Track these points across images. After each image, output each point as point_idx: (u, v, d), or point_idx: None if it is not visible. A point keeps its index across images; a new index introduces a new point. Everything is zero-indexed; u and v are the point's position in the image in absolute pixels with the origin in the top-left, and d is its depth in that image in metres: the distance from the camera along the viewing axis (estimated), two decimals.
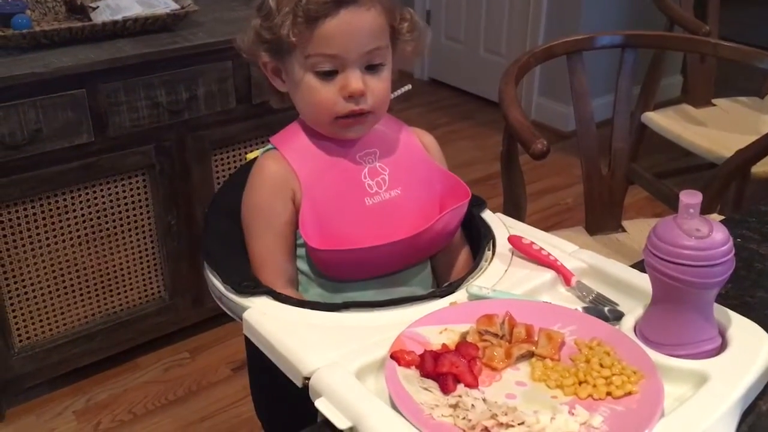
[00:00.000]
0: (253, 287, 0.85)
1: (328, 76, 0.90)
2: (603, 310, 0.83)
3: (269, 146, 0.97)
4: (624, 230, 1.58)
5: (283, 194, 0.94)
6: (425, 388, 0.71)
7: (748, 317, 0.80)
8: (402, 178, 0.98)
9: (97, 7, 1.76)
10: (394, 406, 0.68)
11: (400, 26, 0.95)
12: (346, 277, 0.96)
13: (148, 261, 1.85)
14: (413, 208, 0.98)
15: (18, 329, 1.72)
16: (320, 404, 0.69)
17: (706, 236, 0.72)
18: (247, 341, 0.83)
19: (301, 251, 0.96)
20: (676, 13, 2.07)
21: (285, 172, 0.94)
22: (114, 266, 1.80)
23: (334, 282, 0.96)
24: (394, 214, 0.96)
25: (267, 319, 0.81)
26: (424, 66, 3.87)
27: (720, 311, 0.79)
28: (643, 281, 0.82)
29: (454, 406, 0.68)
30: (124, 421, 1.77)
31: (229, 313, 0.88)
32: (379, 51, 0.91)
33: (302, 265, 0.97)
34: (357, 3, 0.89)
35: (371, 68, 0.92)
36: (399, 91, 1.06)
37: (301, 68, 0.91)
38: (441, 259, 1.04)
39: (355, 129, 0.94)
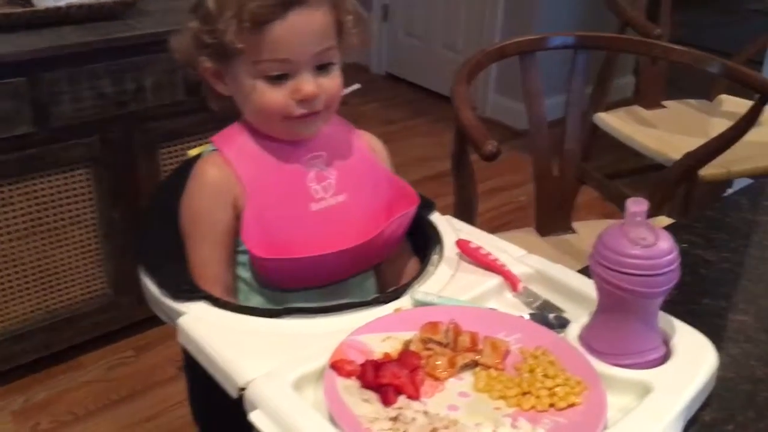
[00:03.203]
0: (190, 292, 0.82)
1: (278, 80, 0.87)
2: (549, 317, 0.82)
3: (210, 147, 0.94)
4: (574, 231, 1.58)
5: (224, 201, 0.90)
6: (365, 400, 0.69)
7: (693, 325, 0.79)
8: (349, 183, 0.95)
9: None
10: (332, 420, 0.66)
11: (346, 20, 0.92)
12: (290, 286, 0.93)
13: (91, 257, 1.80)
14: (360, 214, 0.95)
15: None
16: (255, 418, 0.66)
17: (651, 245, 0.71)
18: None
19: (242, 258, 0.93)
20: (628, 15, 2.08)
21: (226, 176, 0.90)
22: (55, 262, 1.74)
23: (276, 291, 0.93)
24: (340, 220, 0.94)
25: (203, 325, 0.78)
26: (381, 61, 3.85)
27: (665, 319, 0.79)
28: (589, 288, 0.81)
29: (395, 419, 0.66)
30: (64, 422, 1.71)
31: (165, 319, 0.84)
32: (329, 50, 0.89)
33: (243, 272, 0.94)
34: (305, 4, 0.85)
35: (322, 68, 0.89)
36: (348, 90, 1.03)
37: (248, 74, 0.87)
38: (387, 267, 1.02)
39: (308, 126, 0.91)
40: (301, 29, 0.85)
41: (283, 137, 0.92)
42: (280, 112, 0.88)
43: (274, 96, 0.87)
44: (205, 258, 0.91)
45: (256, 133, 0.92)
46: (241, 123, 0.94)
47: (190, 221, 0.92)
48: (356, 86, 1.03)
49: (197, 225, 0.91)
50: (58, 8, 1.64)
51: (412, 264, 1.01)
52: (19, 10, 1.62)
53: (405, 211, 0.94)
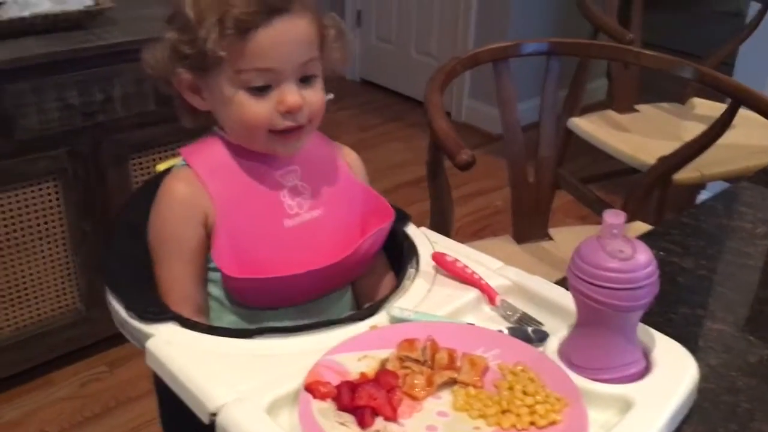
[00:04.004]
0: (158, 313, 0.79)
1: (261, 91, 0.84)
2: (527, 331, 0.81)
3: (180, 162, 0.91)
4: (551, 238, 1.58)
5: (193, 219, 0.87)
6: (341, 423, 0.67)
7: (671, 334, 0.79)
8: (323, 198, 0.93)
9: (4, 2, 1.65)
10: None
11: (327, 33, 0.90)
12: (264, 305, 0.91)
13: (61, 271, 1.76)
14: (335, 228, 0.93)
15: None
16: None
17: (629, 258, 0.70)
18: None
19: (214, 275, 0.90)
20: (600, 20, 2.09)
21: (196, 194, 0.87)
22: (24, 277, 1.70)
23: (249, 309, 0.91)
24: (315, 236, 0.91)
25: (172, 348, 0.75)
26: (355, 67, 3.83)
27: (644, 331, 0.78)
28: (567, 299, 0.79)
29: None
30: None
31: (132, 341, 0.82)
32: (312, 62, 0.86)
33: (215, 290, 0.91)
34: (289, 11, 0.83)
35: (306, 80, 0.86)
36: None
37: (230, 85, 0.84)
38: (363, 282, 0.99)
39: (292, 144, 0.88)
40: (286, 37, 0.83)
41: (264, 152, 0.89)
42: (263, 126, 0.85)
43: (258, 108, 0.84)
44: (175, 276, 0.88)
45: (229, 147, 0.89)
46: (214, 135, 0.91)
47: (158, 239, 0.89)
48: (329, 96, 1.01)
49: (166, 243, 0.88)
50: (23, 18, 1.61)
51: (389, 278, 0.99)
52: None
53: (380, 226, 0.92)
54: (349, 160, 0.99)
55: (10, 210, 1.63)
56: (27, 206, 1.65)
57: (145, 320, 0.79)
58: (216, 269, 0.88)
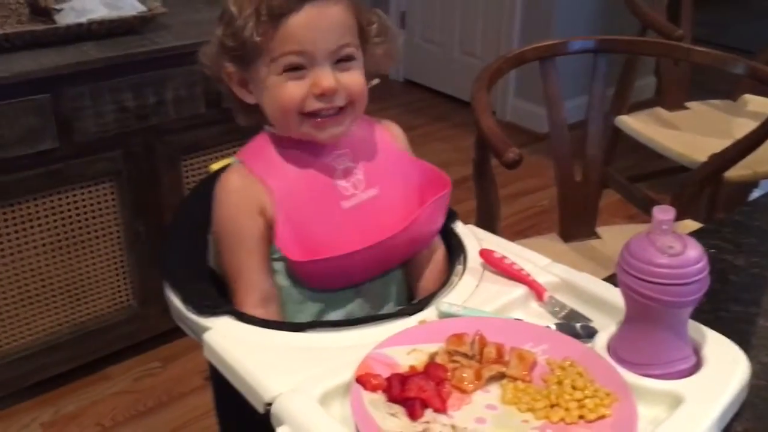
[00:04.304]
0: (214, 307, 0.82)
1: (296, 72, 0.87)
2: (576, 327, 0.81)
3: (234, 160, 0.94)
4: (598, 237, 1.57)
5: (249, 209, 0.90)
6: (392, 414, 0.68)
7: (723, 332, 0.78)
8: (378, 176, 0.95)
9: (62, 9, 1.71)
10: None
11: (369, 28, 0.93)
12: (334, 286, 0.93)
13: (116, 269, 1.81)
14: (393, 205, 0.94)
15: None
16: None
17: (679, 253, 0.70)
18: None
19: (277, 266, 0.92)
20: (649, 17, 2.06)
21: (249, 185, 0.90)
22: (81, 275, 1.76)
23: (315, 292, 0.93)
24: (374, 214, 0.93)
25: (228, 340, 0.78)
26: (400, 67, 3.85)
27: (695, 328, 0.77)
28: (616, 296, 0.80)
29: None
30: None
31: (190, 334, 0.84)
32: (347, 47, 0.89)
33: (280, 280, 0.93)
34: None
35: (341, 64, 0.89)
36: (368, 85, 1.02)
37: (268, 72, 0.88)
38: (419, 261, 1.00)
39: (330, 129, 0.90)
40: (317, 22, 0.86)
41: (305, 139, 0.91)
42: (294, 107, 0.87)
43: (292, 91, 0.87)
44: (240, 266, 0.91)
45: (279, 140, 0.92)
46: (265, 134, 0.94)
47: (220, 232, 0.92)
48: (375, 81, 1.01)
49: (228, 235, 0.91)
50: (80, 25, 1.66)
51: (442, 257, 1.00)
52: (42, 27, 1.64)
53: (439, 194, 0.93)
54: (394, 134, 1.00)
55: (68, 210, 1.68)
56: (84, 206, 1.71)
57: (202, 314, 0.82)
58: (279, 260, 0.90)
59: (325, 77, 0.87)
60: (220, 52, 0.90)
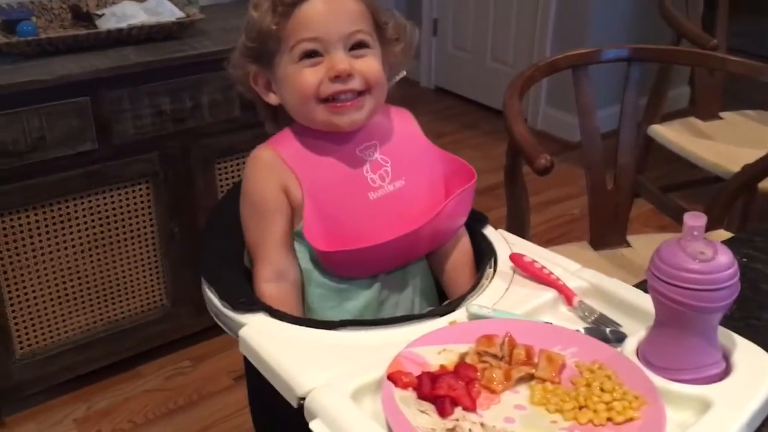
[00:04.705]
0: (250, 304, 0.84)
1: (312, 59, 0.90)
2: (605, 331, 0.82)
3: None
4: (629, 245, 1.57)
5: (275, 184, 0.92)
6: (422, 411, 0.69)
7: (753, 340, 0.78)
8: (404, 168, 0.97)
9: (103, 14, 1.76)
10: (390, 430, 0.67)
11: (385, 27, 0.96)
12: (355, 275, 0.94)
13: (150, 269, 1.85)
14: (419, 196, 0.96)
15: (19, 336, 1.71)
16: (315, 426, 0.68)
17: (710, 259, 0.71)
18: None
19: (302, 249, 0.95)
20: (683, 26, 2.05)
21: (276, 162, 0.93)
22: (116, 274, 1.80)
23: (340, 278, 0.95)
24: (401, 206, 0.95)
25: (263, 337, 0.80)
26: (431, 74, 3.87)
27: (724, 334, 0.77)
28: (646, 302, 0.80)
29: (451, 430, 0.67)
30: (124, 430, 1.76)
31: (225, 329, 0.87)
32: (361, 32, 0.91)
33: (304, 263, 0.95)
34: None
35: (356, 51, 0.91)
36: (395, 78, 1.04)
37: (287, 63, 0.91)
38: (445, 253, 1.02)
39: (350, 115, 0.91)
40: (328, 8, 0.90)
41: (325, 128, 0.93)
42: (311, 92, 0.90)
43: (308, 76, 0.90)
44: (259, 238, 0.93)
45: (306, 134, 0.94)
46: (290, 129, 0.96)
47: (246, 202, 0.95)
48: (402, 73, 1.03)
49: (251, 205, 0.94)
50: (120, 30, 1.70)
51: (466, 245, 1.01)
52: (84, 32, 1.68)
53: (464, 186, 0.95)
54: (413, 120, 1.02)
55: (105, 210, 1.72)
56: (121, 207, 1.75)
57: (238, 310, 0.84)
58: (304, 245, 0.92)
59: (340, 60, 0.89)
60: (243, 54, 0.94)
